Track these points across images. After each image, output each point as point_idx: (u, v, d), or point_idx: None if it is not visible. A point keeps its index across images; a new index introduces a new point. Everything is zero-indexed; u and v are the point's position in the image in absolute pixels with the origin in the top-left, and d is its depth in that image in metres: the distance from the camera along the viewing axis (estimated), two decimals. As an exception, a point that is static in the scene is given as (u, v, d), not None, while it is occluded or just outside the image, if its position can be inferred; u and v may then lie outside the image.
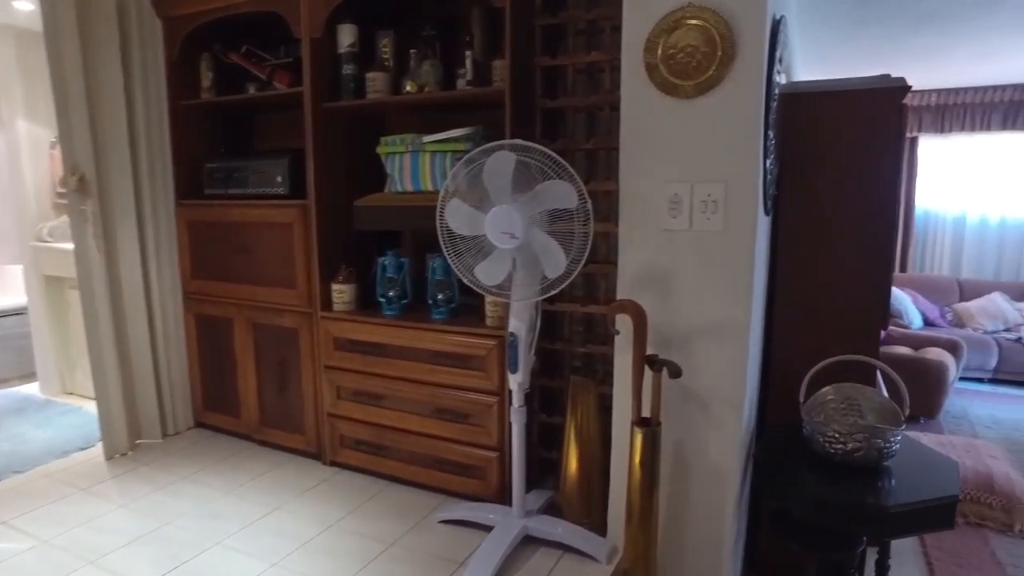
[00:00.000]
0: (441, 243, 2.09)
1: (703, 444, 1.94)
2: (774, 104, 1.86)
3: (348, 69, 2.75)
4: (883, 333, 4.97)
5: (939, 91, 6.08)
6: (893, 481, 1.92)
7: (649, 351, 1.94)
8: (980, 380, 5.48)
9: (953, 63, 4.89)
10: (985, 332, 5.56)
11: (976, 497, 3.20)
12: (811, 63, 4.90)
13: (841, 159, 2.27)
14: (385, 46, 2.84)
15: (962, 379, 5.39)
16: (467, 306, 2.64)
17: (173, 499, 2.66)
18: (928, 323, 5.72)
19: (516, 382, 2.15)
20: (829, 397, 2.19)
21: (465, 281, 2.08)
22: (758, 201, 1.79)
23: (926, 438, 3.66)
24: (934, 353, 4.75)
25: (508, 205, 1.90)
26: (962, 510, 3.22)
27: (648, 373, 1.87)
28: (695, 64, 1.79)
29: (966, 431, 4.39)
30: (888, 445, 1.94)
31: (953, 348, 4.93)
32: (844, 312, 2.34)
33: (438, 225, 2.06)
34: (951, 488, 1.89)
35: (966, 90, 6.00)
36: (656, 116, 1.86)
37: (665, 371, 1.84)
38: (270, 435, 3.11)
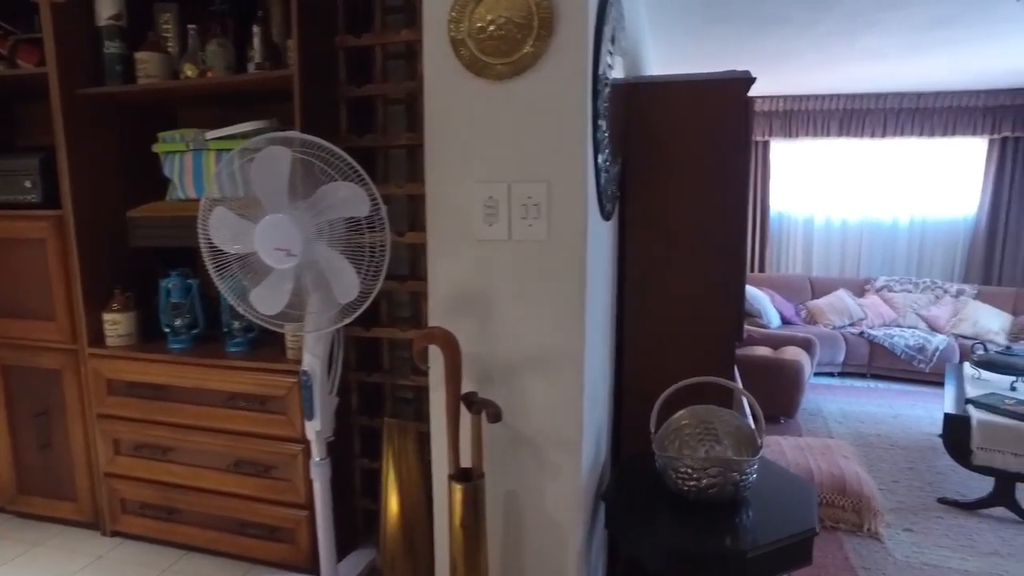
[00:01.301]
0: (207, 263, 1.64)
1: (538, 495, 1.63)
2: (605, 90, 1.58)
3: (112, 47, 2.22)
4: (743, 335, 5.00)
5: (787, 97, 6.30)
6: (751, 517, 1.71)
7: (467, 388, 1.60)
8: (831, 374, 5.69)
9: (800, 68, 5.01)
10: (834, 328, 5.78)
11: (831, 500, 3.16)
12: (665, 61, 4.84)
13: (688, 156, 2.06)
14: (166, 22, 2.34)
15: (816, 374, 5.56)
16: (272, 335, 2.19)
17: None
18: (785, 321, 5.88)
19: (314, 431, 1.74)
20: (684, 422, 1.97)
21: (240, 310, 1.64)
22: (588, 204, 1.50)
23: (786, 442, 3.62)
24: (791, 352, 4.82)
25: (284, 214, 1.50)
26: (818, 514, 3.16)
27: (466, 415, 1.53)
28: (508, 39, 1.48)
29: (820, 428, 4.47)
30: (744, 477, 1.73)
31: (808, 346, 5.04)
32: (698, 327, 2.14)
33: (200, 239, 1.62)
34: (808, 519, 1.72)
35: (810, 97, 6.25)
36: (464, 102, 1.53)
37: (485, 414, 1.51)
38: (31, 504, 2.49)
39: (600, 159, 1.58)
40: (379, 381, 2.11)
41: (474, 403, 1.52)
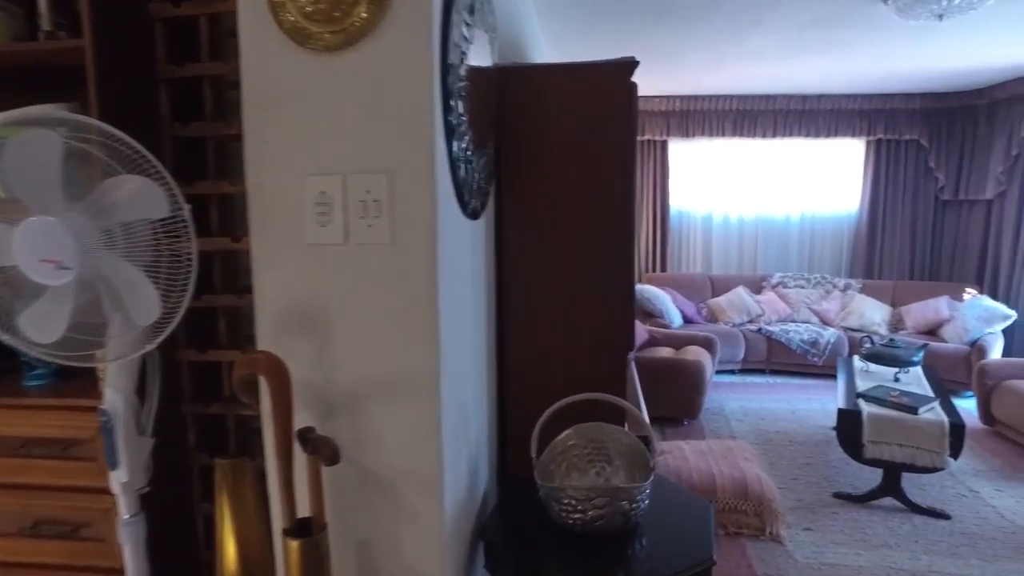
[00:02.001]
0: (-40, 279, 1.29)
1: (395, 543, 1.38)
2: (461, 66, 1.36)
3: None
4: (646, 336, 4.94)
5: (683, 97, 6.35)
6: (644, 547, 1.54)
7: (305, 422, 1.33)
8: (732, 372, 5.75)
9: (693, 68, 5.02)
10: (734, 325, 5.85)
11: (733, 505, 3.08)
12: (556, 59, 4.71)
13: (570, 147, 1.88)
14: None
15: (717, 373, 5.60)
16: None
17: None
18: (687, 320, 5.90)
19: (119, 482, 1.41)
20: (571, 443, 1.78)
21: (5, 340, 1.30)
22: (440, 199, 1.27)
23: (688, 447, 3.53)
24: (693, 352, 4.80)
25: (54, 217, 1.18)
26: (721, 521, 3.08)
27: (303, 455, 1.26)
28: (338, 2, 1.22)
29: (723, 428, 4.45)
30: (635, 505, 1.55)
31: (709, 345, 5.04)
32: (585, 336, 1.96)
33: (-51, 251, 1.26)
34: (706, 546, 1.56)
35: (705, 98, 6.33)
36: (288, 78, 1.26)
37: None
38: None
39: (456, 147, 1.36)
40: (220, 412, 1.80)
41: (309, 441, 1.26)
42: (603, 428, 1.79)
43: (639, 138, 6.49)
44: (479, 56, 1.57)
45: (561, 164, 1.88)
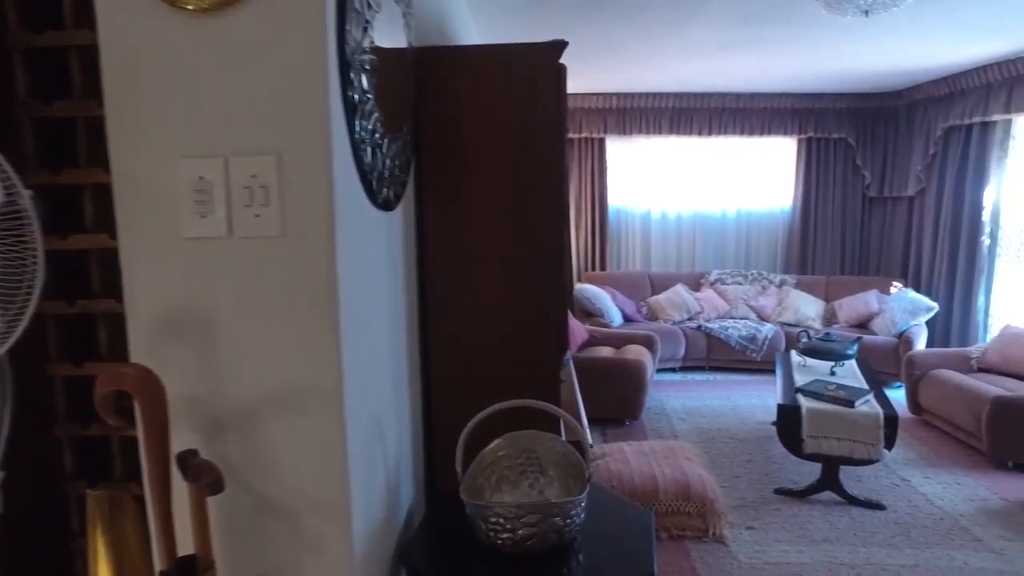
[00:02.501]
0: None
1: (299, 578, 1.21)
2: (366, 37, 1.20)
3: None
4: (585, 335, 4.86)
5: (620, 95, 6.32)
6: (581, 565, 1.41)
7: (189, 443, 1.15)
8: (673, 370, 5.74)
9: (630, 63, 4.97)
10: (674, 323, 5.85)
11: (676, 507, 3.01)
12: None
13: (496, 135, 1.74)
14: None
15: (659, 371, 5.58)
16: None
17: None
18: (628, 319, 5.86)
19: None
20: (502, 453, 1.65)
21: None
22: (339, 185, 1.11)
23: (630, 448, 3.46)
24: (633, 351, 4.75)
25: None
26: (664, 524, 3.01)
27: (181, 483, 1.08)
28: (214, -43, 1.05)
29: (665, 427, 4.41)
30: (569, 520, 1.42)
31: (649, 343, 5.00)
32: (516, 339, 1.82)
33: None
34: (645, 561, 1.45)
35: (642, 95, 6.32)
36: (156, 44, 1.08)
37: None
38: None
39: (360, 127, 1.20)
40: (102, 434, 1.58)
41: (189, 467, 1.08)
42: (536, 436, 1.66)
43: (576, 136, 6.44)
44: (389, 29, 1.41)
45: (487, 153, 1.75)
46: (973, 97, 5.28)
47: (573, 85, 5.91)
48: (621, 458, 3.29)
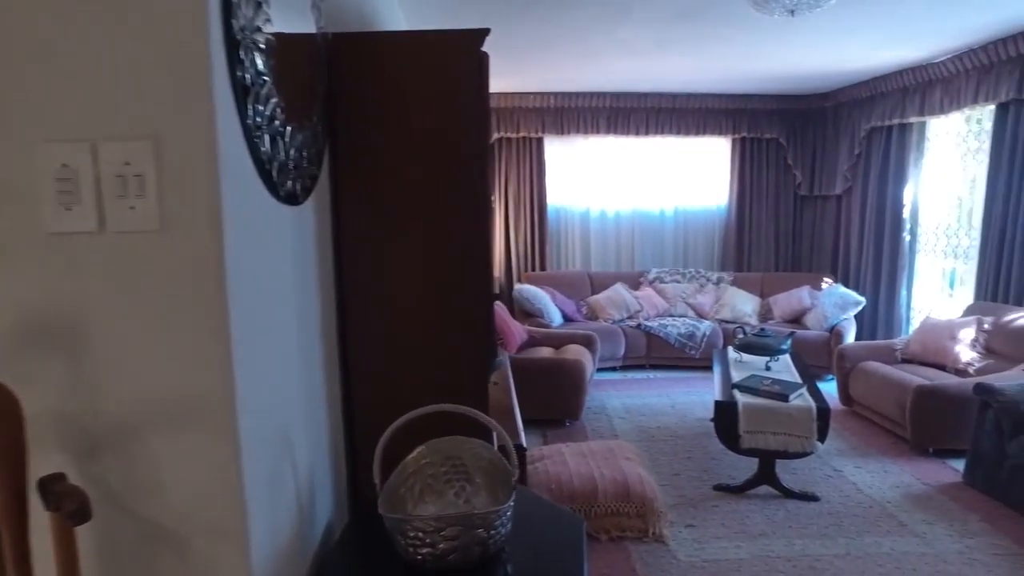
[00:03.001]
0: None
1: (192, 611, 1.09)
2: (260, 13, 1.10)
3: None
4: (525, 336, 4.80)
5: (558, 94, 6.31)
6: (505, 580, 1.33)
7: (58, 467, 1.01)
8: (613, 369, 5.76)
9: (565, 61, 4.95)
10: (613, 322, 5.87)
11: (615, 509, 2.98)
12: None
13: (415, 123, 1.65)
14: None
15: (599, 370, 5.58)
16: None
17: None
18: (568, 319, 5.85)
19: None
20: (425, 461, 1.56)
21: None
22: (227, 174, 1.00)
23: (568, 450, 3.41)
24: (572, 351, 4.72)
25: None
26: (604, 526, 2.97)
27: (43, 512, 0.95)
28: (75, -84, 0.93)
29: (605, 427, 4.40)
30: (494, 531, 1.34)
31: (589, 342, 4.99)
32: (441, 341, 1.74)
33: None
34: (574, 573, 1.37)
35: (579, 95, 6.32)
36: (16, 12, 0.95)
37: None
38: None
39: (254, 112, 1.09)
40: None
41: (51, 495, 0.94)
42: (461, 442, 1.58)
43: (514, 135, 6.40)
44: (291, 11, 1.31)
45: (407, 145, 1.66)
46: (891, 100, 5.49)
47: (510, 83, 5.87)
48: (560, 460, 3.24)
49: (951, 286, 5.28)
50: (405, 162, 1.65)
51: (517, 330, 4.85)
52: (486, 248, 1.75)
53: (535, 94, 6.29)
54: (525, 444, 2.51)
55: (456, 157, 1.66)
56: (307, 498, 1.41)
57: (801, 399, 3.29)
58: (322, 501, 1.53)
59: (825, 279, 6.09)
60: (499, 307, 4.91)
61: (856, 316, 5.64)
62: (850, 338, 5.39)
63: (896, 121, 5.47)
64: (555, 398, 4.30)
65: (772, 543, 2.93)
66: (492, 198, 6.20)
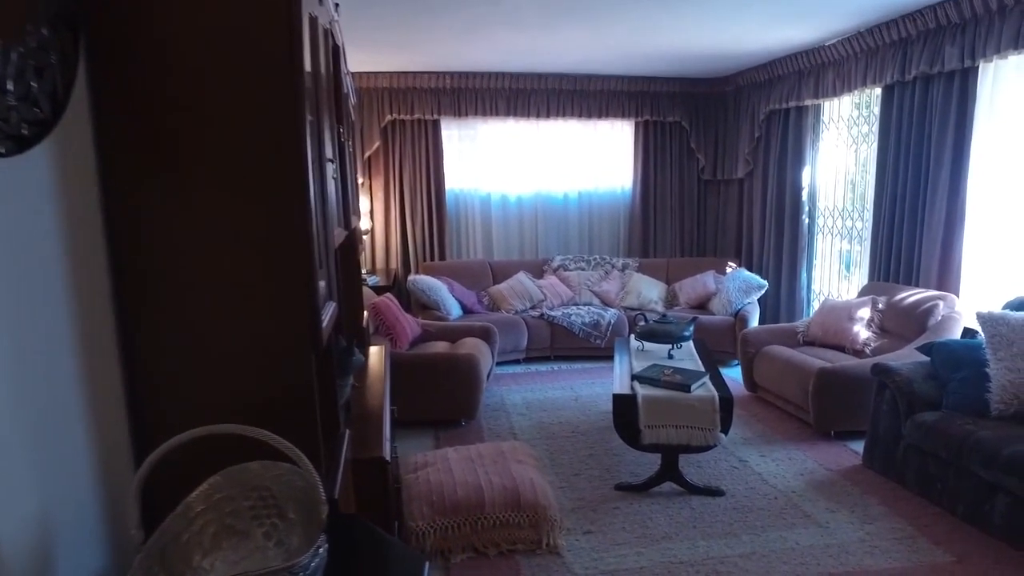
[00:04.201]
0: None
1: None
2: None
3: None
4: (418, 330, 4.41)
5: (453, 74, 5.92)
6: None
7: None
8: (516, 361, 5.45)
9: (450, 34, 4.56)
10: (516, 312, 5.56)
11: (505, 519, 2.65)
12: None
13: (215, 70, 1.23)
14: None
15: (500, 364, 5.26)
16: None
17: None
18: (468, 310, 5.49)
19: None
20: (220, 495, 1.17)
21: None
22: None
23: (455, 454, 3.05)
24: (468, 345, 4.38)
25: None
26: (492, 539, 2.64)
27: None
28: None
29: (503, 425, 4.07)
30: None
31: (487, 335, 4.66)
32: (246, 336, 1.33)
33: None
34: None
35: (476, 75, 5.96)
36: None
37: None
38: None
39: None
40: None
41: None
42: (268, 468, 1.20)
43: (409, 117, 5.97)
44: None
45: (198, 93, 1.24)
46: (788, 83, 5.45)
47: (401, 62, 5.43)
48: (444, 467, 2.88)
49: (847, 268, 5.31)
50: (193, 107, 1.23)
51: (409, 324, 4.45)
52: (306, 226, 1.36)
53: (429, 74, 5.88)
54: (390, 455, 2.13)
55: (257, 101, 1.26)
56: (47, 548, 0.97)
57: (704, 389, 3.08)
58: (80, 552, 1.10)
59: (729, 263, 6.03)
60: (389, 300, 4.49)
61: (760, 300, 5.59)
62: (754, 322, 5.32)
63: (793, 104, 5.43)
64: (449, 397, 3.94)
65: (675, 546, 2.69)
66: (381, 181, 5.69)
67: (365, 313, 3.61)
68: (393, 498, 2.60)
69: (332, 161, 1.85)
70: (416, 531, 2.57)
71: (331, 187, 1.79)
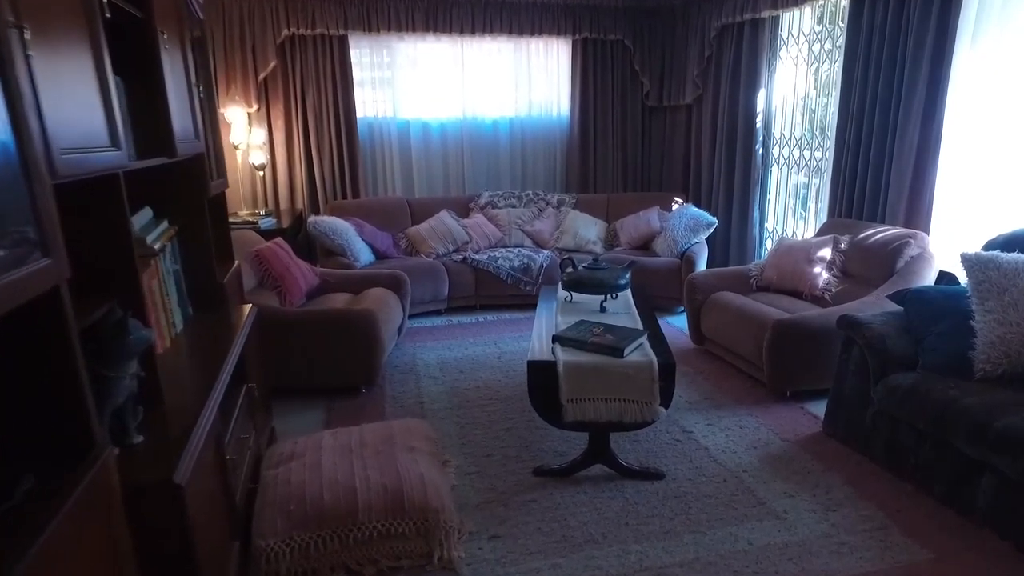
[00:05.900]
0: None
1: None
2: None
3: None
4: (315, 280, 3.70)
5: (360, -22, 5.01)
6: None
7: None
8: (438, 312, 4.81)
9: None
10: (436, 256, 4.88)
11: (386, 529, 2.06)
12: None
13: None
14: None
15: (417, 315, 4.62)
16: None
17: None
18: (381, 256, 4.79)
19: None
20: None
21: None
22: None
23: (330, 441, 2.42)
24: (371, 298, 3.70)
25: None
26: (369, 555, 2.05)
27: None
28: None
29: (411, 392, 3.45)
30: None
31: (396, 284, 3.98)
32: None
33: None
34: None
35: (390, -19, 5.07)
36: None
37: None
38: None
39: None
40: None
41: None
42: None
43: (309, 32, 5.03)
44: None
45: None
46: (744, -9, 4.76)
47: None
48: (312, 462, 2.25)
49: (804, 204, 4.79)
50: None
51: (303, 274, 3.73)
52: None
53: (332, -24, 4.95)
54: (177, 481, 1.47)
55: None
56: None
57: (640, 353, 2.50)
58: None
59: (676, 199, 5.45)
60: (277, 246, 3.75)
61: (708, 239, 5.05)
62: (702, 264, 4.79)
63: (748, 16, 4.76)
64: (343, 361, 3.29)
65: (602, 554, 2.15)
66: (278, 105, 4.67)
67: (237, 263, 2.89)
68: (240, 512, 1.97)
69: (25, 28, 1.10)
70: (266, 552, 1.95)
71: (22, 73, 1.06)
